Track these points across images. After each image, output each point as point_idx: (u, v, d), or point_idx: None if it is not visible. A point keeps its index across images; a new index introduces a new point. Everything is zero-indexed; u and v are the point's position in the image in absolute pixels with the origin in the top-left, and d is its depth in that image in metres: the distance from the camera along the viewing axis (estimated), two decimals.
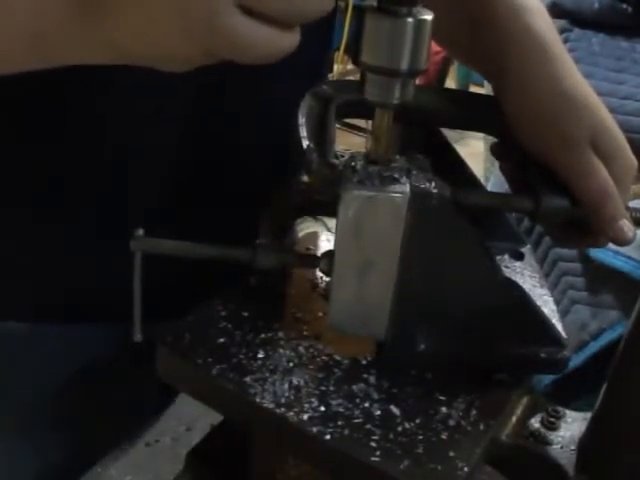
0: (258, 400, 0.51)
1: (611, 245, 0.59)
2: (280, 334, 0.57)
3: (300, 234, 0.76)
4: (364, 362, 0.56)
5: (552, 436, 0.54)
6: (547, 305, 0.61)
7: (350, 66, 3.85)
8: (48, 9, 0.44)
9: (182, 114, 0.66)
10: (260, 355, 0.54)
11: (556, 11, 1.19)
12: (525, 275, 0.65)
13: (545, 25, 0.61)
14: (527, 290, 0.56)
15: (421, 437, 0.50)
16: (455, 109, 0.65)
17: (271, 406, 0.50)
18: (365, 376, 0.54)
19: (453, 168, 0.63)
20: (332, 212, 0.51)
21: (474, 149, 1.76)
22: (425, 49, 0.48)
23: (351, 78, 0.64)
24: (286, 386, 0.52)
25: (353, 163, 0.51)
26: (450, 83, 4.31)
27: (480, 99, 0.69)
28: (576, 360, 1.00)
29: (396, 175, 0.51)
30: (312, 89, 0.60)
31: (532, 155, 0.59)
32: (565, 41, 1.17)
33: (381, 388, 0.53)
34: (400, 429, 0.50)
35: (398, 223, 0.50)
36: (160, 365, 0.55)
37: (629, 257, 0.99)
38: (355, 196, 0.50)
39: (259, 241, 0.55)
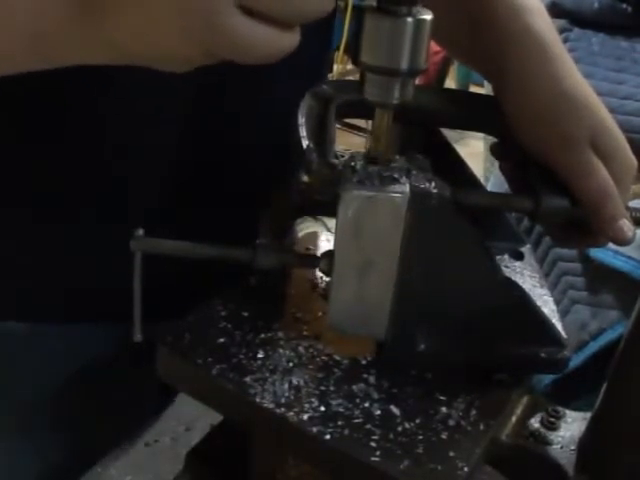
0: (258, 400, 0.51)
1: (611, 245, 0.59)
2: (280, 334, 0.57)
3: (300, 234, 0.76)
4: (364, 362, 0.56)
5: (552, 436, 0.54)
6: (547, 305, 0.61)
7: (350, 66, 3.85)
8: (48, 9, 0.44)
9: (182, 114, 0.66)
10: (260, 355, 0.54)
11: (556, 11, 1.19)
12: (525, 275, 0.65)
13: (545, 25, 0.61)
14: (527, 290, 0.56)
15: (421, 437, 0.50)
16: (455, 109, 0.65)
17: (271, 406, 0.50)
18: (365, 376, 0.54)
19: (453, 168, 0.63)
20: (332, 212, 0.51)
21: (474, 149, 1.76)
22: (425, 49, 0.48)
23: (351, 78, 0.64)
24: (286, 386, 0.52)
25: (353, 163, 0.51)
26: (450, 83, 4.31)
27: (480, 99, 0.69)
28: (576, 360, 1.00)
29: (396, 175, 0.51)
30: (312, 89, 0.60)
31: (532, 155, 0.59)
32: (565, 41, 1.17)
33: (381, 388, 0.53)
34: (400, 429, 0.50)
35: (398, 223, 0.50)
36: (160, 365, 0.55)
37: (629, 257, 0.99)
38: (355, 196, 0.50)
39: (259, 241, 0.55)
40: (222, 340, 0.55)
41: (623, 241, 0.56)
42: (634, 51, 1.19)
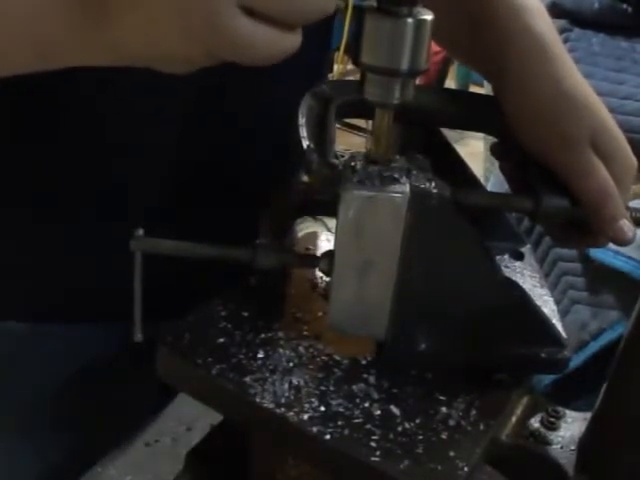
0: (258, 400, 0.51)
1: (611, 245, 0.59)
2: (280, 334, 0.57)
3: (300, 234, 0.76)
4: (364, 362, 0.56)
5: (552, 436, 0.54)
6: (547, 305, 0.61)
7: (350, 66, 3.85)
8: (49, 12, 0.44)
9: (182, 114, 0.66)
10: (260, 355, 0.54)
11: (556, 11, 1.19)
12: (525, 275, 0.65)
13: (545, 25, 0.61)
14: (527, 290, 0.56)
15: (421, 437, 0.50)
16: (455, 109, 0.65)
17: (271, 406, 0.50)
18: (365, 376, 0.54)
19: (453, 168, 0.63)
20: (332, 212, 0.51)
21: (474, 149, 1.76)
22: (425, 49, 0.48)
23: (351, 78, 0.64)
24: (286, 386, 0.52)
25: (353, 163, 0.51)
26: (450, 83, 4.31)
27: (480, 99, 0.69)
28: (576, 360, 1.00)
29: (396, 175, 0.51)
30: (312, 89, 0.60)
31: (532, 155, 0.59)
32: (565, 41, 1.17)
33: (381, 388, 0.53)
34: (400, 429, 0.50)
35: (398, 223, 0.50)
36: (160, 365, 0.55)
37: (629, 257, 0.99)
38: (355, 196, 0.50)
39: (259, 241, 0.55)
40: (222, 340, 0.55)
41: (623, 241, 0.56)
42: (634, 51, 1.19)
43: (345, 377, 0.54)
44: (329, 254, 0.53)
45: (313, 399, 0.51)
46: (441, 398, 0.53)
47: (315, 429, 0.49)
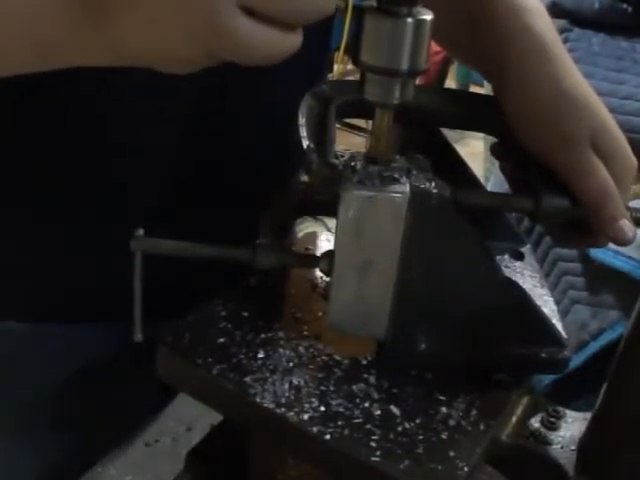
0: (258, 400, 0.51)
1: (611, 245, 0.59)
2: (280, 334, 0.57)
3: (300, 234, 0.76)
4: (364, 362, 0.55)
5: (552, 436, 0.54)
6: (547, 305, 0.61)
7: (350, 66, 3.85)
8: (49, 12, 0.44)
9: (182, 114, 0.66)
10: (260, 355, 0.54)
11: (556, 11, 1.19)
12: (525, 275, 0.65)
13: (545, 25, 0.61)
14: (527, 290, 0.56)
15: (421, 437, 0.50)
16: (455, 109, 0.65)
17: (271, 406, 0.50)
18: (365, 376, 0.54)
19: (453, 168, 0.63)
20: (332, 212, 0.51)
21: (474, 149, 1.76)
22: (425, 49, 0.48)
23: (351, 78, 0.64)
24: (286, 386, 0.52)
25: (353, 163, 0.51)
26: (450, 83, 4.31)
27: (480, 99, 0.69)
28: (576, 360, 1.00)
29: (396, 175, 0.51)
30: (312, 89, 0.60)
31: (532, 155, 0.59)
32: (565, 41, 1.17)
33: (381, 388, 0.53)
34: (400, 429, 0.50)
35: (398, 223, 0.50)
36: (160, 365, 0.55)
37: (629, 257, 0.99)
38: (355, 196, 0.49)
39: (259, 241, 0.55)
40: (222, 340, 0.55)
41: (623, 241, 0.56)
42: (634, 51, 1.19)
43: (345, 377, 0.54)
44: (329, 254, 0.53)
45: (313, 399, 0.51)
46: (441, 398, 0.53)
47: (315, 429, 0.49)
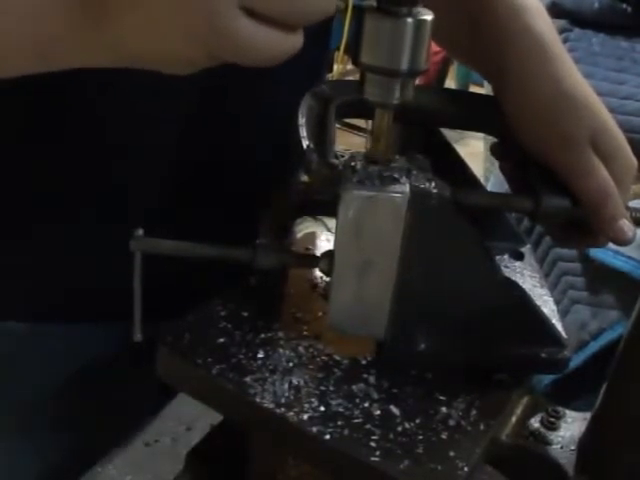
0: (258, 400, 0.51)
1: (611, 245, 0.59)
2: (280, 334, 0.57)
3: (300, 234, 0.76)
4: (364, 362, 0.56)
5: (552, 436, 0.54)
6: (547, 305, 0.61)
7: (350, 66, 3.85)
8: (49, 13, 0.44)
9: (183, 115, 0.66)
10: (260, 355, 0.54)
11: (556, 11, 1.19)
12: (525, 275, 0.65)
13: (545, 25, 0.61)
14: (527, 290, 0.56)
15: (421, 437, 0.50)
16: (455, 109, 0.65)
17: (271, 406, 0.50)
18: (365, 376, 0.54)
19: (453, 168, 0.63)
20: (332, 212, 0.51)
21: (474, 149, 1.76)
22: (425, 49, 0.48)
23: (351, 78, 0.64)
24: (286, 386, 0.52)
25: (353, 163, 0.51)
26: (450, 83, 4.31)
27: (480, 99, 0.69)
28: (576, 360, 1.00)
29: (396, 175, 0.51)
30: (312, 89, 0.60)
31: (532, 155, 0.59)
32: (565, 41, 1.17)
33: (381, 388, 0.53)
34: (400, 429, 0.50)
35: (398, 223, 0.50)
36: (160, 365, 0.55)
37: (629, 257, 0.99)
38: (355, 196, 0.49)
39: (259, 241, 0.55)
40: (222, 340, 0.55)
41: (623, 241, 0.56)
42: (634, 51, 1.19)
43: (345, 377, 0.54)
44: (329, 254, 0.53)
45: (313, 399, 0.51)
46: (441, 398, 0.53)
47: (315, 429, 0.49)
